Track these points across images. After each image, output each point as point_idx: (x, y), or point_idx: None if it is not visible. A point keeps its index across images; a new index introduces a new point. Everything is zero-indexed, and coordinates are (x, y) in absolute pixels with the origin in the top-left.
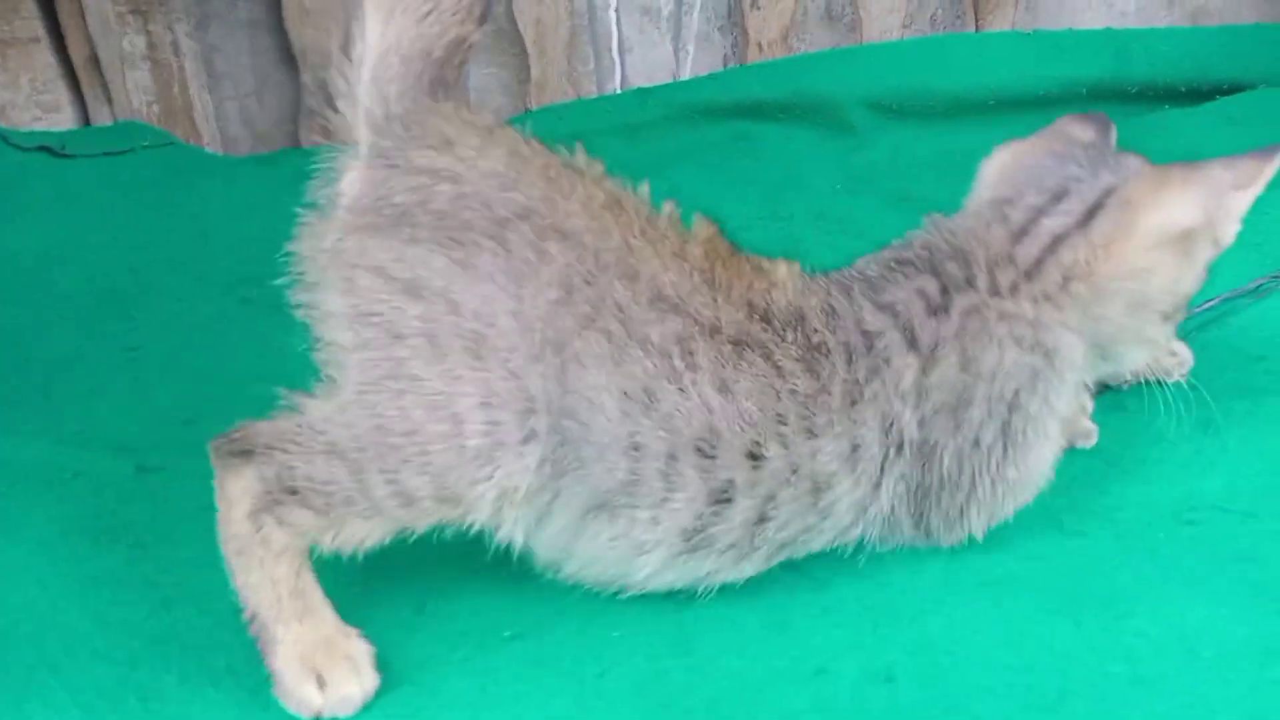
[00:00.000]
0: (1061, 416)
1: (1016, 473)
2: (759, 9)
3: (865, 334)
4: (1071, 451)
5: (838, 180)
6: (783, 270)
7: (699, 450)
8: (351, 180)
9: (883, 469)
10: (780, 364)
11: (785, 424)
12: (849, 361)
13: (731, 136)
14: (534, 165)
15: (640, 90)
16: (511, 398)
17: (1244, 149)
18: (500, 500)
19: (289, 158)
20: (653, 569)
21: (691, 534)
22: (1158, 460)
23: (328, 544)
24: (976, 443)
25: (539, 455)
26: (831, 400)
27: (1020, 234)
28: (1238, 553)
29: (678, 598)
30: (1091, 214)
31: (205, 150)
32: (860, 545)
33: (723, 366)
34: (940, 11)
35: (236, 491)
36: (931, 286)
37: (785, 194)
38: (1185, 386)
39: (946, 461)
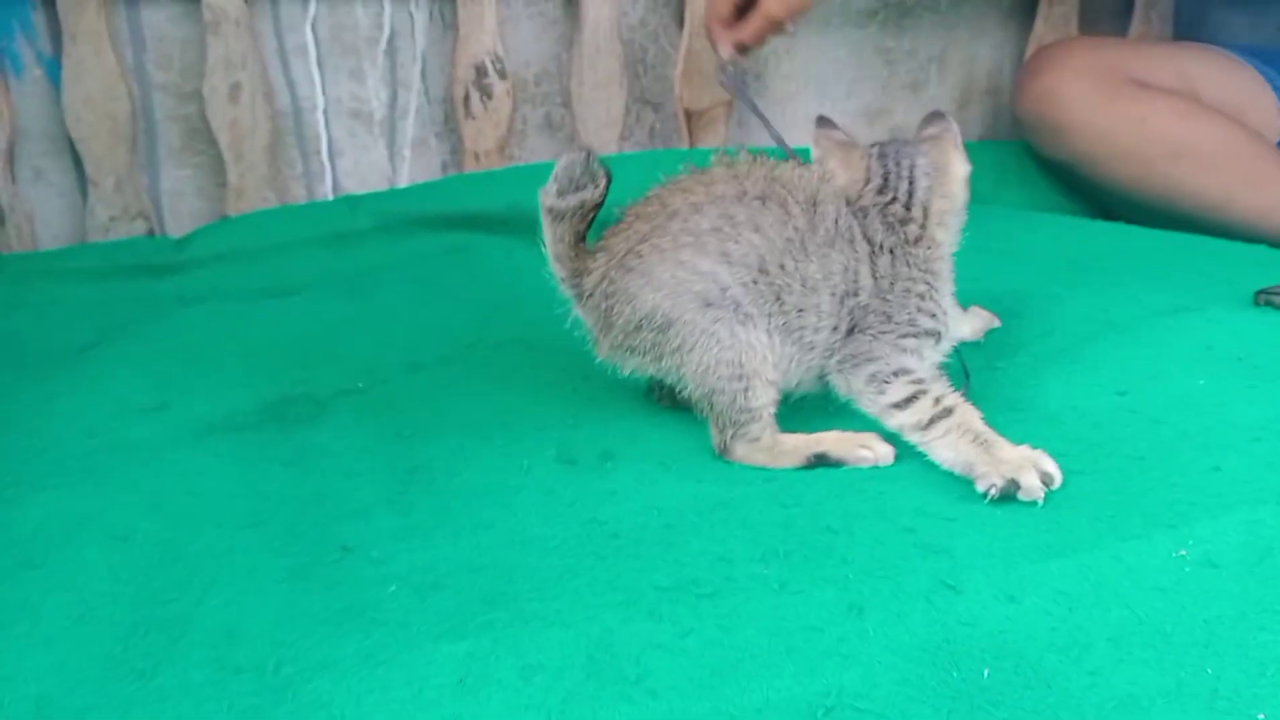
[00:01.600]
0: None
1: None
2: (474, 118)
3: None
4: (725, 642)
5: (550, 300)
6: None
7: (763, 270)
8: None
9: (842, 299)
10: (790, 210)
11: (793, 247)
12: (835, 222)
13: (446, 249)
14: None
15: (350, 197)
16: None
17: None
18: None
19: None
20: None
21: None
22: (804, 648)
23: None
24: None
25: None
26: (818, 238)
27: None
28: None
29: None
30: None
31: None
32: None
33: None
34: (658, 125)
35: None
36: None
37: (499, 314)
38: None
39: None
